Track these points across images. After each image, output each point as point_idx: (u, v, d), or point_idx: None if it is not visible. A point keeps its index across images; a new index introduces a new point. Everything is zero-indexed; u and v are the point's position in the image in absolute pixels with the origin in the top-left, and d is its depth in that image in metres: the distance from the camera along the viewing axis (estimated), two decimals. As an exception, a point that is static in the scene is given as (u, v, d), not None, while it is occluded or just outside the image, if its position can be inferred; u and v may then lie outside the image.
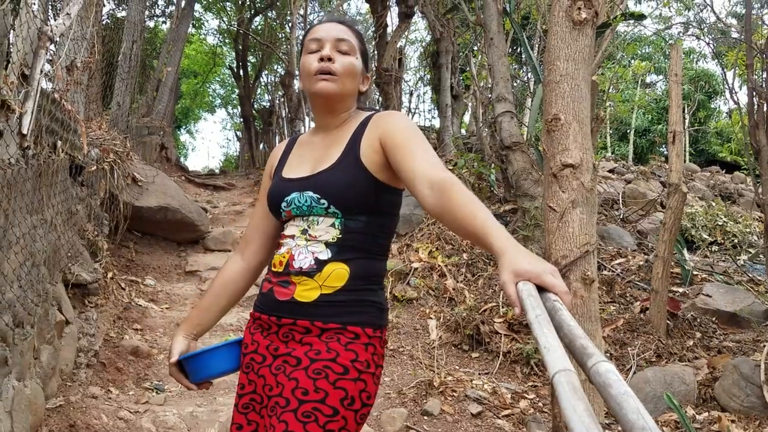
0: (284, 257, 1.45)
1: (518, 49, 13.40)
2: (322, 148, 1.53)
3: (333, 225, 1.42)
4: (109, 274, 4.63)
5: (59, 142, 3.52)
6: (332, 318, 1.39)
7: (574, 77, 1.92)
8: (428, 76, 13.98)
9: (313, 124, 1.69)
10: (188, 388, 1.56)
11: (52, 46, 2.95)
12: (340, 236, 1.42)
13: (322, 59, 1.48)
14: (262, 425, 1.43)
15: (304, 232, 1.45)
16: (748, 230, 7.47)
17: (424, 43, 15.05)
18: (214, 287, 1.66)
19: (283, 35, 16.20)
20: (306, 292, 1.41)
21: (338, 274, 1.40)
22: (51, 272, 3.38)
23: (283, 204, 1.48)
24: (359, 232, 1.43)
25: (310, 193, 1.43)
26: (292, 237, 1.46)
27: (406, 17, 9.63)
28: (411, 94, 16.24)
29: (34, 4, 2.74)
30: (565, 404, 0.67)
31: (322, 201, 1.42)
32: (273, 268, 1.49)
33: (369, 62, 1.64)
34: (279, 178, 1.56)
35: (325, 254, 1.41)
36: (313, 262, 1.41)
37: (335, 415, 1.31)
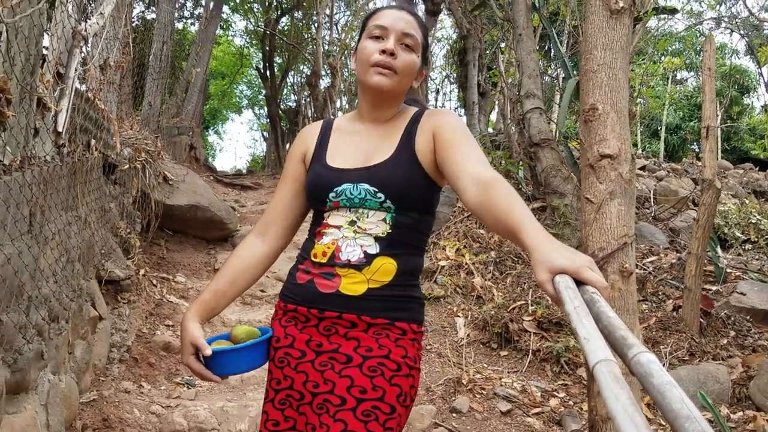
0: (329, 248, 1.41)
1: (547, 45, 13.27)
2: (373, 140, 1.49)
3: (384, 219, 1.40)
4: (141, 271, 4.69)
5: (93, 141, 3.58)
6: (380, 313, 1.37)
7: (611, 66, 1.88)
8: (455, 74, 13.92)
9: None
10: (207, 378, 1.43)
11: (86, 46, 3.00)
12: (390, 231, 1.40)
13: (384, 52, 1.43)
14: (301, 422, 1.40)
15: (353, 223, 1.41)
16: (783, 228, 7.29)
17: (450, 41, 14.99)
18: (230, 270, 1.54)
19: (309, 36, 16.28)
20: (353, 285, 1.37)
21: (386, 269, 1.38)
22: (85, 268, 3.44)
23: (332, 194, 1.43)
24: (408, 227, 1.41)
25: (366, 186, 1.40)
26: (339, 228, 1.42)
27: (432, 15, 9.61)
28: (437, 92, 16.22)
29: (69, 3, 2.79)
30: (608, 393, 0.65)
31: (379, 195, 1.39)
32: (314, 259, 1.43)
33: (428, 59, 1.60)
34: (323, 165, 1.49)
35: (374, 248, 1.38)
36: (362, 255, 1.38)
37: (393, 413, 1.31)
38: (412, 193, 1.41)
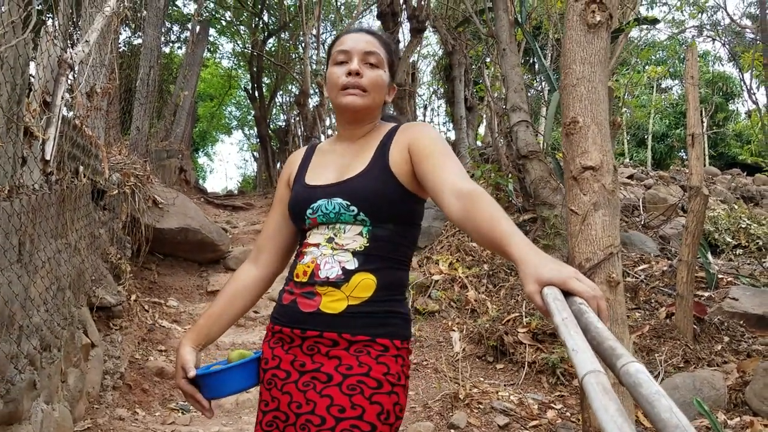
0: (309, 267, 1.42)
1: (531, 59, 13.40)
2: (348, 156, 1.51)
3: (360, 233, 1.40)
4: (133, 297, 4.67)
5: (81, 168, 3.58)
6: (360, 330, 1.36)
7: (590, 80, 1.91)
8: (442, 90, 14.02)
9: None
10: (200, 403, 1.46)
11: (72, 73, 3.01)
12: (368, 245, 1.40)
13: (350, 73, 1.47)
14: None
15: (330, 240, 1.42)
16: (772, 232, 7.34)
17: (436, 57, 15.11)
18: (224, 296, 1.58)
19: (297, 56, 16.38)
20: (333, 303, 1.37)
21: (366, 285, 1.38)
22: (76, 296, 3.42)
23: (309, 211, 1.45)
24: (386, 240, 1.41)
25: (339, 200, 1.41)
26: (317, 246, 1.43)
27: (417, 32, 9.68)
28: (425, 107, 16.32)
29: (54, 32, 2.80)
30: (597, 405, 0.66)
31: (352, 208, 1.40)
32: (296, 279, 1.44)
33: (396, 73, 1.63)
34: (302, 185, 1.52)
35: (352, 264, 1.38)
36: (340, 272, 1.38)
37: (373, 431, 1.30)
38: (385, 204, 1.40)
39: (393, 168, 1.43)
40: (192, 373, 1.43)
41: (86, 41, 3.15)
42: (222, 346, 4.53)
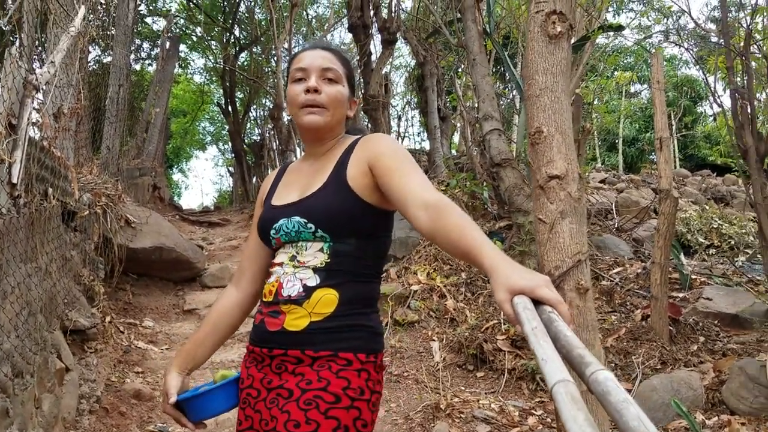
0: (273, 286, 1.44)
1: (501, 69, 13.54)
2: (309, 175, 1.52)
3: (321, 249, 1.41)
4: (107, 318, 4.60)
5: (50, 189, 3.52)
6: (323, 345, 1.36)
7: (553, 90, 1.94)
8: (415, 100, 14.09)
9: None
10: (186, 426, 1.51)
11: (38, 95, 2.97)
12: (329, 260, 1.40)
13: (308, 90, 1.48)
14: None
15: (293, 258, 1.43)
16: (743, 231, 7.48)
17: (408, 68, 15.20)
18: (208, 320, 1.62)
19: (269, 69, 16.36)
20: (295, 320, 1.38)
21: (327, 300, 1.38)
22: (48, 320, 3.35)
23: (272, 231, 1.48)
24: (349, 255, 1.41)
25: (297, 218, 1.42)
26: (281, 265, 1.45)
27: (389, 44, 9.75)
28: (399, 118, 16.38)
29: (19, 53, 2.76)
30: (566, 415, 0.66)
31: (309, 225, 1.41)
32: (264, 299, 1.47)
33: (356, 87, 1.64)
34: (268, 206, 1.55)
35: (313, 280, 1.39)
36: (301, 289, 1.39)
37: None
38: (343, 219, 1.41)
39: (350, 182, 1.43)
40: (173, 399, 1.49)
41: (52, 62, 3.12)
42: (203, 365, 4.47)
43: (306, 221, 1.41)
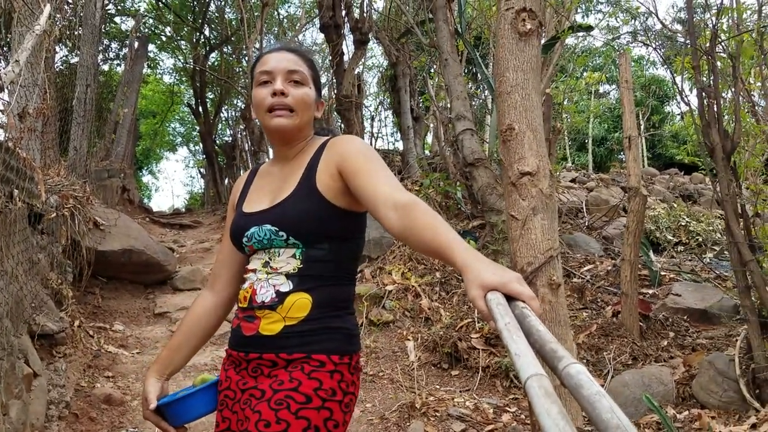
0: (248, 292, 1.45)
1: (473, 69, 13.63)
2: (280, 179, 1.52)
3: (294, 255, 1.41)
4: (76, 323, 4.50)
5: (16, 191, 3.44)
6: (297, 348, 1.38)
7: (524, 87, 1.96)
8: (388, 100, 14.10)
9: None
10: (166, 431, 1.52)
11: (2, 94, 2.90)
12: (301, 266, 1.41)
13: (275, 94, 1.47)
14: None
15: (266, 264, 1.44)
16: (711, 228, 7.63)
17: (381, 68, 15.21)
18: (184, 325, 1.62)
19: (241, 69, 16.22)
20: (270, 325, 1.39)
21: (300, 304, 1.39)
22: (15, 324, 3.28)
23: (244, 239, 1.48)
24: (322, 260, 1.42)
25: (269, 226, 1.42)
26: (254, 271, 1.46)
27: (361, 44, 9.73)
28: (372, 118, 16.36)
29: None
30: (539, 408, 0.66)
31: (281, 233, 1.41)
32: (239, 304, 1.48)
33: (321, 88, 1.63)
34: (239, 212, 1.55)
35: (286, 286, 1.40)
36: (274, 295, 1.40)
37: None
38: (314, 225, 1.41)
39: (320, 188, 1.42)
40: (153, 405, 1.51)
41: (16, 61, 3.05)
42: (201, 367, 4.44)
43: (277, 229, 1.41)
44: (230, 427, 1.44)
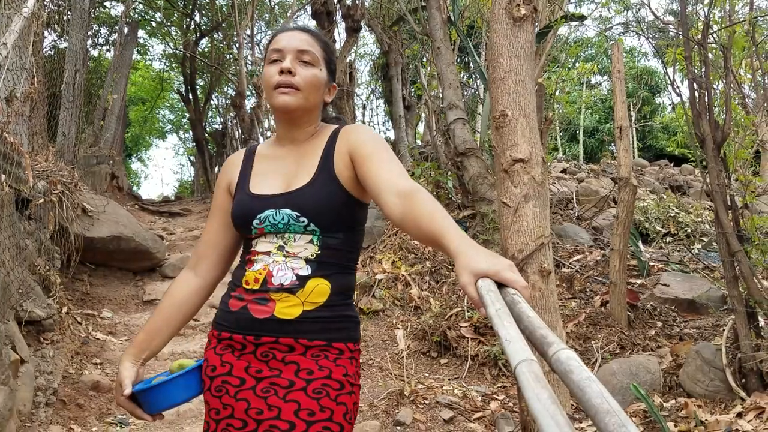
0: (260, 274, 1.40)
1: (465, 58, 13.59)
2: (292, 163, 1.49)
3: (311, 241, 1.40)
4: (64, 309, 4.48)
5: (3, 176, 3.41)
6: (317, 335, 1.38)
7: (517, 73, 1.95)
8: (380, 89, 14.06)
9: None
10: (141, 419, 1.48)
11: (-12, 77, 2.86)
12: (319, 252, 1.40)
13: (282, 72, 1.44)
14: None
15: (281, 248, 1.41)
16: (699, 220, 7.67)
17: (373, 57, 15.15)
18: (164, 308, 1.55)
19: (231, 56, 16.11)
20: (288, 309, 1.37)
21: (320, 290, 1.39)
22: (2, 310, 3.25)
23: (255, 222, 1.43)
24: (336, 248, 1.42)
25: (288, 211, 1.40)
26: (268, 254, 1.41)
27: (353, 32, 9.69)
28: (364, 107, 16.35)
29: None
30: (529, 393, 0.66)
31: (302, 219, 1.39)
32: (246, 286, 1.42)
33: (335, 71, 1.61)
34: (246, 194, 1.49)
35: (305, 270, 1.39)
36: (294, 278, 1.38)
37: (342, 431, 1.33)
38: (334, 214, 1.41)
39: (338, 176, 1.43)
40: (128, 390, 1.43)
41: (4, 44, 3.00)
42: (161, 356, 4.39)
43: (298, 215, 1.39)
44: (233, 415, 1.38)
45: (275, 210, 1.41)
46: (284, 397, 1.33)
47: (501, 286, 0.94)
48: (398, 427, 3.57)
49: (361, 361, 4.45)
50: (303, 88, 1.45)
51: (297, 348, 1.37)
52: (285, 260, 1.39)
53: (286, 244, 1.40)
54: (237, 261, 1.58)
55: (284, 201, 1.41)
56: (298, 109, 1.47)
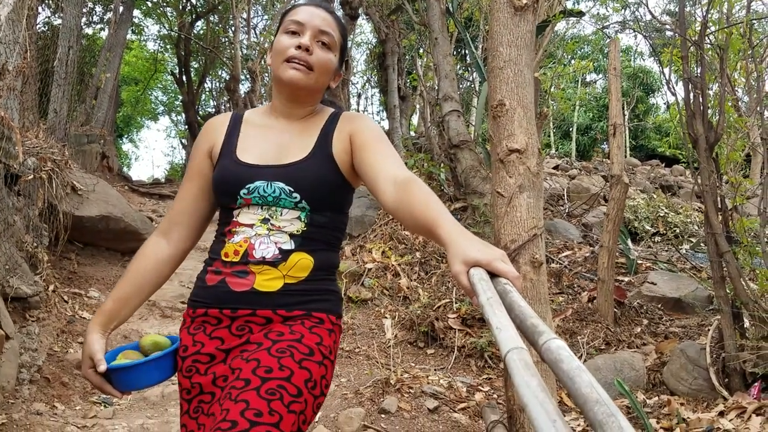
0: (241, 246, 1.37)
1: (463, 51, 13.56)
2: (288, 137, 1.46)
3: (299, 218, 1.39)
4: (51, 287, 4.45)
5: (-8, 151, 3.37)
6: (296, 306, 1.35)
7: (517, 63, 1.94)
8: (375, 78, 14.01)
9: None
10: (110, 394, 1.39)
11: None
12: (305, 229, 1.39)
13: (299, 47, 1.41)
14: (208, 426, 1.31)
15: (266, 221, 1.38)
16: (688, 220, 7.73)
17: (370, 45, 15.09)
18: (134, 275, 1.46)
19: (227, 39, 15.98)
20: (268, 281, 1.34)
21: (303, 264, 1.37)
22: (-13, 286, 3.23)
23: (243, 191, 1.39)
24: (323, 226, 1.41)
25: (281, 185, 1.37)
26: (251, 226, 1.38)
27: (350, 19, 9.64)
28: (359, 96, 16.29)
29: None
30: (518, 381, 0.66)
31: (295, 195, 1.37)
32: (225, 258, 1.38)
33: (345, 59, 1.59)
34: (233, 161, 1.44)
35: (289, 244, 1.37)
36: (277, 251, 1.35)
37: (299, 396, 1.23)
38: (327, 193, 1.41)
39: (336, 157, 1.42)
40: (102, 367, 1.35)
41: (-4, 16, 2.96)
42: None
43: (291, 190, 1.37)
44: (202, 391, 1.35)
45: (266, 182, 1.38)
46: (247, 357, 1.28)
47: (493, 275, 0.94)
48: (383, 415, 3.58)
49: (347, 348, 4.42)
50: (316, 69, 1.43)
51: (275, 319, 1.34)
52: (268, 233, 1.36)
53: (272, 217, 1.37)
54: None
55: (277, 173, 1.38)
56: (305, 89, 1.45)
